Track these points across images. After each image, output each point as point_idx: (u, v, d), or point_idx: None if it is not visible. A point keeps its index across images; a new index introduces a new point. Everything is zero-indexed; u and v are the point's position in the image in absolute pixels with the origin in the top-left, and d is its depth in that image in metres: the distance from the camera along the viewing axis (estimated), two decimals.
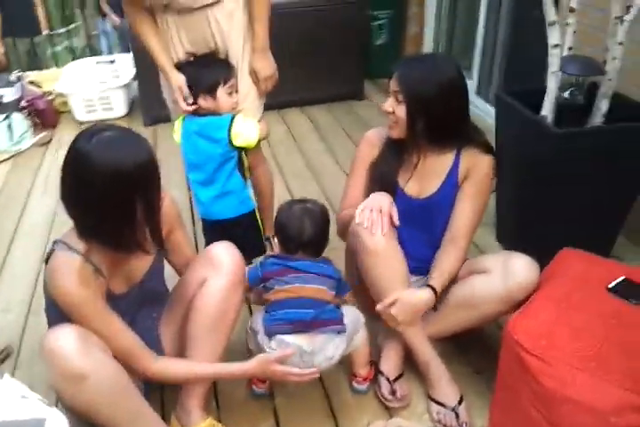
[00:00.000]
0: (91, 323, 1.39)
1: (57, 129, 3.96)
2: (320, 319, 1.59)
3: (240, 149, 2.02)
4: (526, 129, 2.05)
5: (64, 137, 3.82)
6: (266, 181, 2.33)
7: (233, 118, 1.96)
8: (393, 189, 1.76)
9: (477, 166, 1.74)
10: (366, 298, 1.76)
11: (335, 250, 1.88)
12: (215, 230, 2.13)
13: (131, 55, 3.90)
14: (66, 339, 1.32)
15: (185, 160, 2.10)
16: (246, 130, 1.98)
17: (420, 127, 1.66)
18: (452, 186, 1.77)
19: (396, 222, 1.61)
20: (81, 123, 3.99)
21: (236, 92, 2.00)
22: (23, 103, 3.79)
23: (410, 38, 4.46)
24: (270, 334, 1.59)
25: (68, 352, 1.31)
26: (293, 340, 1.56)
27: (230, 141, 1.96)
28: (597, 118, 2.02)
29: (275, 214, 1.84)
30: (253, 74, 2.11)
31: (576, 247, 1.75)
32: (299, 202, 1.82)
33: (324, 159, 3.35)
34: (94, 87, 4.04)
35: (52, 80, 4.16)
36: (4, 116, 3.63)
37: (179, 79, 1.98)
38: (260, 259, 1.80)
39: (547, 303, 1.53)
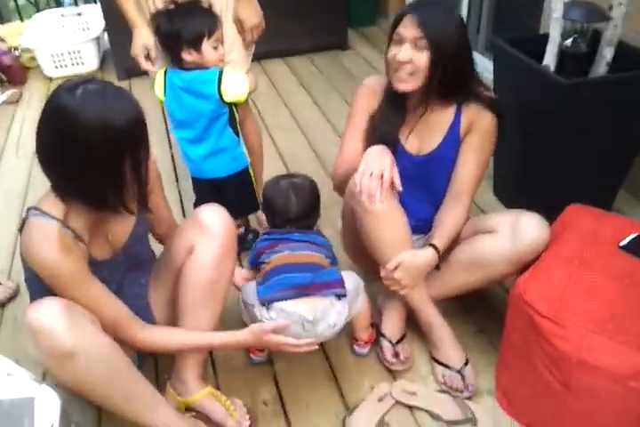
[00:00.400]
0: (74, 293, 1.31)
1: (26, 86, 3.75)
2: (319, 282, 1.52)
3: (231, 104, 1.90)
4: (528, 79, 1.95)
5: (34, 94, 3.64)
6: (255, 134, 2.23)
7: (221, 73, 1.83)
8: (394, 148, 1.65)
9: (480, 121, 1.65)
10: (364, 258, 1.69)
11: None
12: (207, 189, 2.05)
13: (98, 6, 3.66)
14: (51, 314, 1.24)
15: (170, 117, 1.98)
16: (236, 84, 1.85)
17: (438, 78, 1.56)
18: (453, 141, 1.69)
19: (399, 188, 1.51)
20: (50, 79, 3.79)
21: (222, 44, 1.86)
22: None
23: None
24: (267, 303, 1.51)
25: (55, 329, 1.22)
26: (294, 307, 1.49)
27: (221, 97, 1.84)
28: (601, 67, 1.93)
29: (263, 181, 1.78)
30: (238, 23, 1.97)
31: (579, 200, 1.70)
32: (286, 177, 1.76)
33: (309, 112, 3.22)
34: (63, 41, 3.80)
35: (16, 34, 3.91)
36: None
37: (145, 37, 1.84)
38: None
39: (557, 263, 1.48)
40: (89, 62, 3.81)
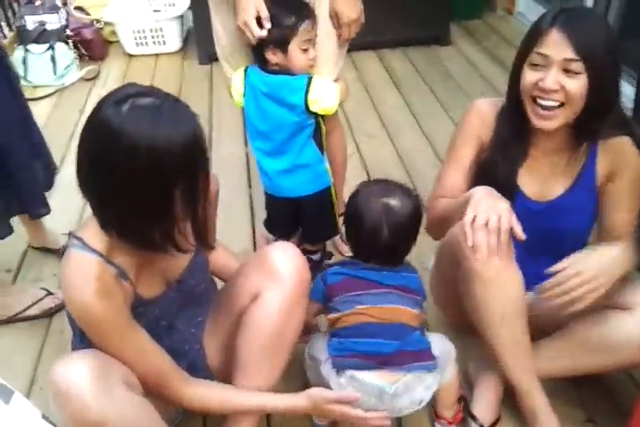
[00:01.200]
0: (111, 342, 1.12)
1: (105, 62, 3.59)
2: (405, 352, 1.26)
3: (317, 116, 1.64)
4: None
5: (112, 71, 3.49)
6: (340, 148, 1.96)
7: (310, 80, 1.58)
8: (511, 193, 1.36)
9: (626, 162, 1.34)
10: (460, 315, 1.40)
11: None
12: (281, 208, 1.83)
13: None
14: (79, 377, 1.03)
15: (248, 125, 1.74)
16: (326, 95, 1.60)
17: (591, 109, 1.26)
18: (586, 187, 1.39)
19: (522, 237, 1.21)
20: (131, 55, 3.63)
21: (314, 46, 1.59)
22: (68, 32, 3.40)
23: None
24: (339, 368, 1.26)
25: (82, 396, 1.02)
26: (371, 378, 1.23)
27: (307, 108, 1.59)
28: None
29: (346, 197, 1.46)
30: (335, 17, 1.68)
31: None
32: (382, 190, 1.34)
33: (400, 115, 2.90)
34: (146, 17, 3.63)
35: (100, 6, 3.74)
36: (48, 46, 3.27)
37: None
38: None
39: None
40: (171, 42, 3.62)
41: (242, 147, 2.67)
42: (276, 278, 1.27)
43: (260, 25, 1.52)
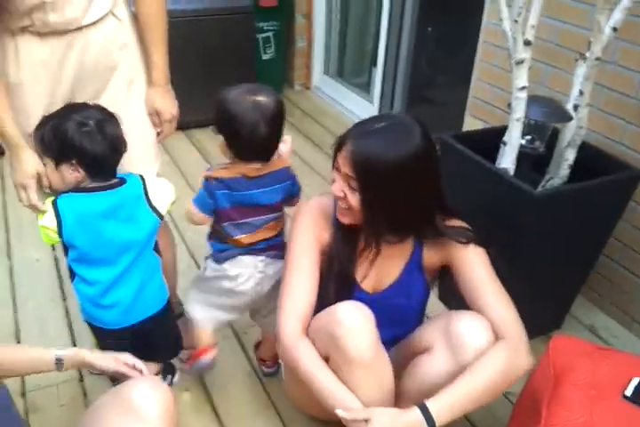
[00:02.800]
0: None
1: None
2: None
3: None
4: (484, 181, 1.73)
5: None
6: (169, 243, 1.86)
7: (143, 182, 1.46)
8: (350, 287, 1.38)
9: (462, 258, 1.38)
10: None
11: None
12: (124, 338, 1.51)
13: None
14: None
15: (74, 260, 1.44)
16: (164, 191, 1.51)
17: (380, 218, 1.29)
18: (414, 272, 1.44)
19: None
20: None
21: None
22: None
23: (298, 53, 4.07)
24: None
25: None
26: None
27: (157, 212, 1.46)
28: (563, 170, 1.75)
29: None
30: (155, 115, 1.64)
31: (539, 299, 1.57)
32: (246, 91, 1.41)
33: None
34: None
35: None
36: None
37: (36, 162, 1.42)
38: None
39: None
40: None
41: (49, 252, 2.40)
42: (140, 419, 1.10)
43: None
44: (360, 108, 3.66)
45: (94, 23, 1.45)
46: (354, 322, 1.24)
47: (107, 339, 1.53)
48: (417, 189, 1.27)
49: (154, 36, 1.57)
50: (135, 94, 1.61)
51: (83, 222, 1.38)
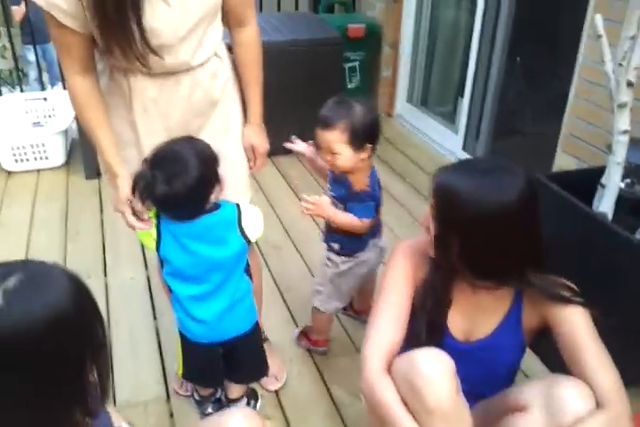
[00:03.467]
0: None
1: None
2: None
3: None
4: (583, 227, 1.69)
5: None
6: (257, 265, 1.92)
7: (238, 210, 1.54)
8: (441, 335, 1.37)
9: (562, 318, 1.32)
10: None
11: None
12: (211, 354, 1.62)
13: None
14: None
15: (168, 272, 1.57)
16: (256, 220, 1.58)
17: (455, 255, 1.28)
18: (512, 328, 1.39)
19: None
20: (9, 172, 3.39)
21: (221, 190, 1.54)
22: None
23: (383, 81, 4.12)
24: None
25: None
26: None
27: (246, 238, 1.54)
28: None
29: None
30: (250, 150, 1.74)
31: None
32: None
33: (304, 224, 2.83)
34: (26, 133, 3.45)
35: None
36: None
37: (127, 191, 1.51)
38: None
39: None
40: (54, 157, 3.43)
41: (143, 271, 2.51)
42: None
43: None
44: (444, 137, 3.65)
45: (202, 64, 1.53)
46: (434, 372, 1.21)
47: (196, 353, 1.62)
48: (505, 235, 1.24)
49: (252, 76, 1.66)
50: (232, 129, 1.70)
51: (177, 241, 1.49)
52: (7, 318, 0.81)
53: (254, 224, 1.57)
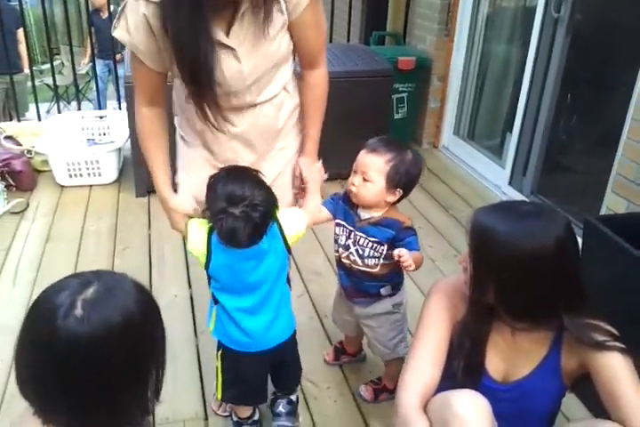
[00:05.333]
0: None
1: (34, 192, 3.47)
2: None
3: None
4: (632, 272, 1.67)
5: (42, 203, 3.34)
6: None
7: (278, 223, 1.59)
8: (479, 375, 1.36)
9: (603, 364, 1.29)
10: None
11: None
12: (259, 364, 1.68)
13: (124, 113, 3.47)
14: None
15: (218, 287, 1.60)
16: (295, 225, 1.63)
17: (491, 295, 1.29)
18: (550, 372, 1.37)
19: None
20: (62, 187, 3.52)
21: None
22: None
23: (430, 113, 4.15)
24: None
25: None
26: None
27: (288, 247, 1.60)
28: None
29: None
30: (298, 178, 1.79)
31: None
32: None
33: None
34: (82, 149, 3.59)
35: (30, 135, 3.70)
36: None
37: (183, 206, 1.66)
38: None
39: None
40: (107, 174, 3.55)
41: (186, 288, 2.56)
42: None
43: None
44: (490, 171, 3.65)
45: (269, 99, 1.59)
46: (470, 415, 1.20)
47: (243, 364, 1.64)
48: (540, 278, 1.24)
49: (315, 114, 1.70)
50: (285, 157, 1.73)
51: (227, 263, 1.54)
52: (87, 325, 0.88)
53: (294, 222, 1.61)
